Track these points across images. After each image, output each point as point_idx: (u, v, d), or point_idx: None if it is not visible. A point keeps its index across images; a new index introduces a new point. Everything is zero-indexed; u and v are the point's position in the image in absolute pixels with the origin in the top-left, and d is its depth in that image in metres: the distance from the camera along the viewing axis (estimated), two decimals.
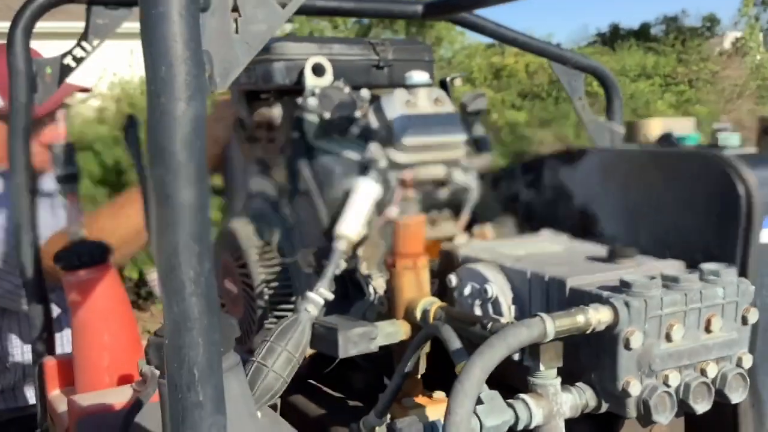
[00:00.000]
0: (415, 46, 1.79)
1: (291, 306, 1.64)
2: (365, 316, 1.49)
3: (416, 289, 1.39)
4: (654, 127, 1.93)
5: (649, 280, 1.12)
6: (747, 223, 1.26)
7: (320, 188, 1.54)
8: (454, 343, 1.16)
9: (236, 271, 1.70)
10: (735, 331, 1.17)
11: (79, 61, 1.86)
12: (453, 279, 1.39)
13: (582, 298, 1.16)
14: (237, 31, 0.80)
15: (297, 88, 1.62)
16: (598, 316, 1.08)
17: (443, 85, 1.77)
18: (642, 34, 17.49)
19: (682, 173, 1.36)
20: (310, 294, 1.37)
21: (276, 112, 1.65)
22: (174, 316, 0.73)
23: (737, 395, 1.16)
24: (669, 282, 1.14)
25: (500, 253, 1.40)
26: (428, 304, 1.35)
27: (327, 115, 1.53)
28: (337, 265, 1.41)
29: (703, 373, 1.14)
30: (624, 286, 1.12)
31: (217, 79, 0.80)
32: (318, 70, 1.60)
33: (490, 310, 1.32)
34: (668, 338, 1.11)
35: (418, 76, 1.63)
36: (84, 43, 1.83)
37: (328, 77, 1.60)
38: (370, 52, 1.69)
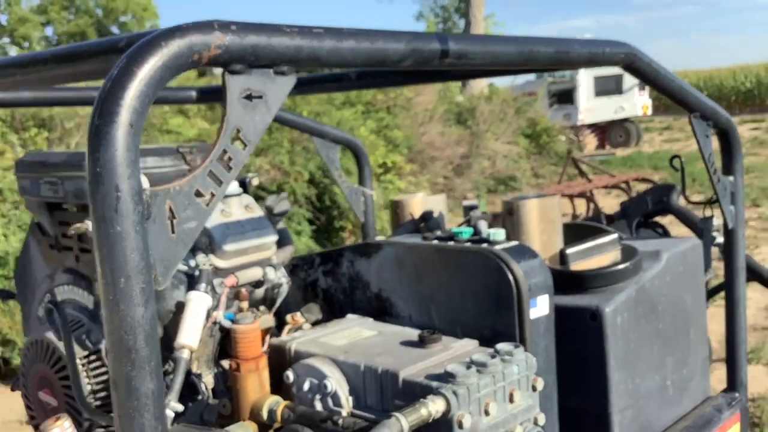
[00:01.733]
0: (207, 147, 1.92)
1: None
2: (202, 418, 1.61)
3: (260, 389, 1.55)
4: (415, 206, 2.25)
5: (467, 369, 1.40)
6: (519, 304, 1.60)
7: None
8: None
9: (57, 383, 1.72)
10: (529, 398, 1.49)
11: None
12: (290, 375, 1.57)
13: (414, 389, 1.41)
14: (173, 232, 0.93)
15: None
16: (435, 407, 1.33)
17: (242, 184, 1.93)
18: None
19: (464, 266, 1.67)
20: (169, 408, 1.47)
21: (88, 225, 1.70)
22: None
23: None
24: (480, 367, 1.43)
25: (327, 345, 1.61)
26: (274, 404, 1.51)
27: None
28: (183, 375, 1.52)
29: None
30: (449, 377, 1.38)
31: (160, 278, 0.92)
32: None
33: (330, 403, 1.52)
34: (486, 413, 1.40)
35: (231, 186, 1.79)
36: None
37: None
38: (180, 161, 1.79)
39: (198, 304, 1.58)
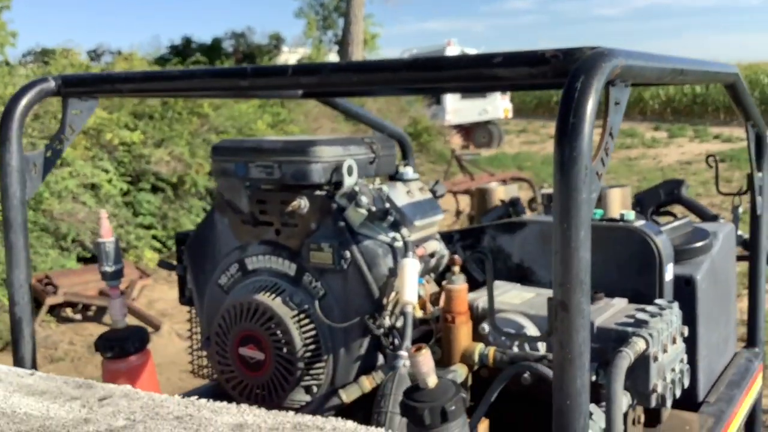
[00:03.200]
0: (389, 142, 2.23)
1: (321, 363, 1.98)
2: None
3: (468, 338, 1.89)
4: (502, 193, 2.65)
5: (651, 317, 1.81)
6: (659, 269, 2.03)
7: (369, 266, 1.93)
8: (548, 372, 1.71)
9: (267, 339, 1.97)
10: (682, 341, 1.92)
11: (58, 153, 1.94)
12: (486, 327, 1.92)
13: (608, 334, 1.81)
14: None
15: (327, 185, 1.97)
16: (641, 346, 1.73)
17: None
18: (214, 48, 18.41)
19: (612, 239, 2.08)
20: (402, 352, 1.79)
21: (303, 203, 1.97)
22: None
23: None
24: (658, 316, 1.84)
25: (507, 303, 1.97)
26: (484, 349, 1.87)
27: (372, 208, 1.92)
28: (412, 325, 1.84)
29: (673, 371, 1.87)
30: (642, 323, 1.79)
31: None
32: (350, 171, 1.97)
33: (527, 349, 1.88)
34: (665, 351, 1.82)
35: (411, 172, 2.12)
36: (62, 135, 1.92)
37: (355, 176, 1.99)
38: (369, 150, 2.09)
39: (412, 267, 1.89)
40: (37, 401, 1.31)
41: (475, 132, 21.46)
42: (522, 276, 2.21)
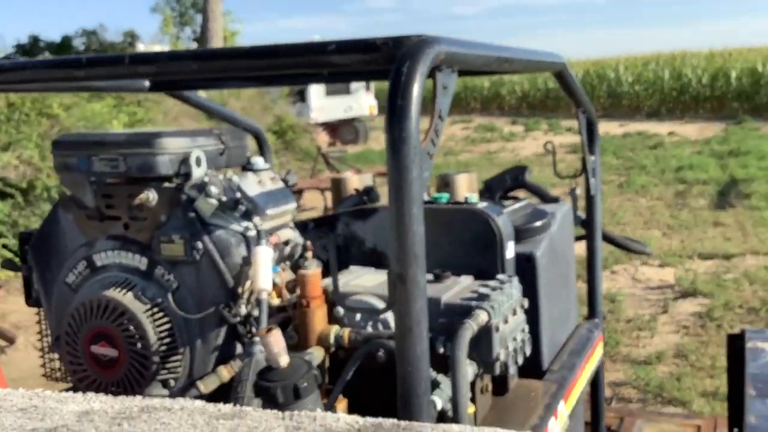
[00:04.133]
0: (239, 134, 2.23)
1: (177, 356, 1.97)
2: None
3: (324, 321, 1.94)
4: (357, 182, 2.71)
5: (493, 291, 1.92)
6: (501, 248, 2.15)
7: (222, 256, 1.94)
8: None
9: (120, 335, 1.95)
10: (522, 313, 2.04)
11: None
12: (341, 310, 1.98)
13: (455, 309, 1.90)
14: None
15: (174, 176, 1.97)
16: (483, 318, 1.84)
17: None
18: (64, 47, 17.65)
19: (457, 221, 2.19)
20: (258, 339, 1.81)
21: (151, 196, 1.96)
22: None
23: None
24: (499, 290, 1.95)
25: (361, 286, 2.04)
26: (339, 330, 1.92)
27: (223, 198, 1.94)
28: (267, 312, 1.87)
29: (515, 341, 1.99)
30: (484, 297, 1.90)
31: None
32: (199, 162, 1.98)
33: (381, 327, 1.95)
34: (506, 322, 1.93)
35: (262, 162, 2.14)
36: None
37: (204, 167, 1.99)
38: (218, 141, 2.10)
39: (265, 255, 1.92)
40: None
41: (341, 129, 21.62)
42: (377, 261, 2.28)
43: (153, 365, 1.95)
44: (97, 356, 1.99)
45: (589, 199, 2.78)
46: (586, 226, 2.84)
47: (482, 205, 2.23)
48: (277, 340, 1.47)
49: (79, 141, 2.05)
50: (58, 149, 2.06)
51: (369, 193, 2.65)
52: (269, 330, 1.46)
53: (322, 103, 20.51)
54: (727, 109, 22.28)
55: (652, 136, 19.79)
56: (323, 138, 20.87)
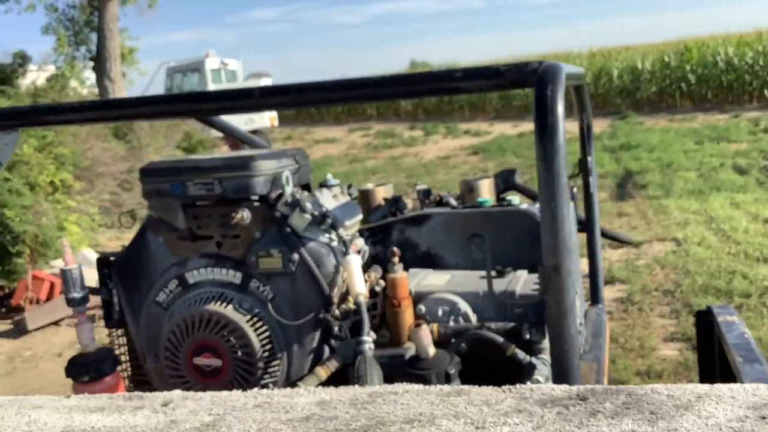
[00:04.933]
0: (305, 153, 2.40)
1: (276, 361, 2.13)
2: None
3: (412, 319, 2.14)
4: (385, 193, 2.92)
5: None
6: None
7: (317, 266, 2.11)
8: (497, 337, 2.01)
9: (224, 346, 2.09)
10: (579, 300, 2.30)
11: None
12: (422, 308, 2.18)
13: (528, 299, 2.14)
14: None
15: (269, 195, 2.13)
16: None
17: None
18: None
19: (508, 222, 2.43)
20: (366, 338, 2.00)
21: (246, 215, 2.10)
22: None
23: None
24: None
25: (435, 285, 2.25)
26: (430, 326, 2.12)
27: (315, 213, 2.11)
28: (367, 313, 2.05)
29: (580, 324, 2.25)
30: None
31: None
32: (288, 181, 2.14)
33: (462, 321, 2.17)
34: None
35: (333, 179, 2.32)
36: None
37: (291, 185, 2.16)
38: (294, 161, 2.26)
39: (357, 263, 2.11)
40: (104, 416, 1.35)
41: (244, 142, 21.45)
42: (430, 262, 2.50)
43: (256, 371, 2.10)
44: (200, 367, 2.12)
45: (589, 196, 3.08)
46: (587, 221, 3.13)
47: (524, 206, 2.48)
48: (426, 334, 1.66)
49: (171, 167, 2.18)
50: (149, 176, 2.18)
51: (397, 202, 2.86)
52: (418, 325, 1.66)
53: (224, 118, 20.32)
54: (611, 105, 23.50)
55: None
56: (227, 151, 20.69)
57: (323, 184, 2.36)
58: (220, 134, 19.86)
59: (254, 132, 21.40)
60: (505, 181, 3.49)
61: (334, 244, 2.17)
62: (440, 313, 2.19)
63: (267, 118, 21.77)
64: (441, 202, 2.79)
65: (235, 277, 2.16)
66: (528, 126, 22.83)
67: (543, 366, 2.01)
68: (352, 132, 25.27)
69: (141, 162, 13.48)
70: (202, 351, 2.11)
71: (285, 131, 26.01)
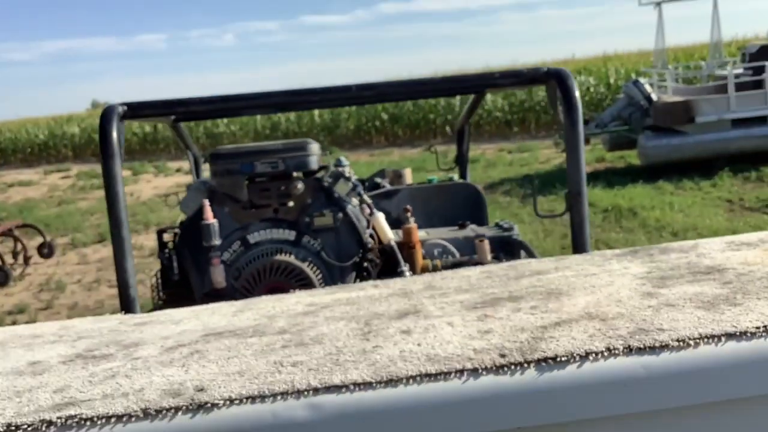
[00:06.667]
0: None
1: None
2: None
3: (421, 257, 2.90)
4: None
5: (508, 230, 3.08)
6: (484, 206, 3.30)
7: (358, 221, 2.78)
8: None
9: (294, 285, 2.67)
10: None
11: None
12: (423, 251, 2.95)
13: (496, 239, 3.01)
14: None
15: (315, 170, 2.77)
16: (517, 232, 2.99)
17: None
18: None
19: (454, 192, 3.28)
20: (404, 268, 2.73)
21: (300, 185, 2.72)
22: None
23: None
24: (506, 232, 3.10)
25: (423, 236, 3.03)
26: (433, 261, 2.89)
27: (354, 183, 2.79)
28: (399, 252, 2.78)
29: None
30: (508, 230, 3.04)
31: None
32: (341, 162, 2.80)
33: (450, 258, 2.97)
34: None
35: (345, 160, 3.01)
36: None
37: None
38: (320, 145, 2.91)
39: (383, 218, 2.84)
40: (209, 318, 1.41)
41: None
42: (399, 224, 3.26)
43: None
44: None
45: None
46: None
47: (463, 181, 3.36)
48: (486, 247, 2.45)
49: (239, 152, 2.72)
50: (219, 159, 2.70)
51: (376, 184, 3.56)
52: (482, 240, 2.45)
53: None
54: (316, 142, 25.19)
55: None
56: None
57: (338, 165, 3.03)
58: None
59: None
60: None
61: (364, 206, 2.87)
62: (435, 253, 2.97)
63: None
64: (377, 186, 3.57)
65: (289, 234, 2.75)
66: None
67: None
68: (48, 174, 24.15)
69: None
70: (273, 292, 2.67)
71: None
